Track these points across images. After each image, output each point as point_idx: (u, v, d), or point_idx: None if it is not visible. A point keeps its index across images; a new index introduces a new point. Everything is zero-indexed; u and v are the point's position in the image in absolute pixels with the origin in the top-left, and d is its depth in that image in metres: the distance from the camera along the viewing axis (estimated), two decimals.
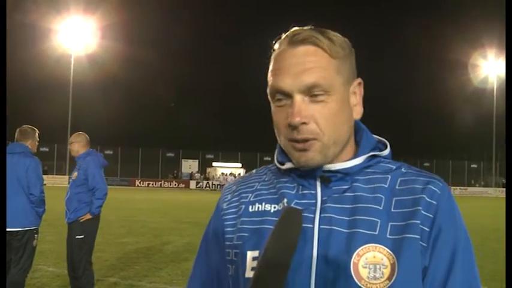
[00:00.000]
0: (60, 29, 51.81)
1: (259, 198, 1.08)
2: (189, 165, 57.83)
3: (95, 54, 55.22)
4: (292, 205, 1.00)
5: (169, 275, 7.31)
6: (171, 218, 16.19)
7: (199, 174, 56.02)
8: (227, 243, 1.08)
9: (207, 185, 53.41)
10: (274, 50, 1.05)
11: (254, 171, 1.19)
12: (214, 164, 59.04)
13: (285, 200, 1.02)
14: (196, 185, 53.07)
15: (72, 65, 50.99)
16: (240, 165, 57.53)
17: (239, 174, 49.27)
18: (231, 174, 52.96)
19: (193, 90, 79.14)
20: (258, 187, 1.11)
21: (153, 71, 74.91)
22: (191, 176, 55.65)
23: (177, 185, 52.98)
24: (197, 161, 58.71)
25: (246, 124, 72.51)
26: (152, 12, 77.53)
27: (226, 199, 1.14)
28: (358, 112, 1.06)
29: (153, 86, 73.04)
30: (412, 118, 77.98)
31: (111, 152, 52.53)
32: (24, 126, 5.41)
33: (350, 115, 1.03)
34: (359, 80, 1.06)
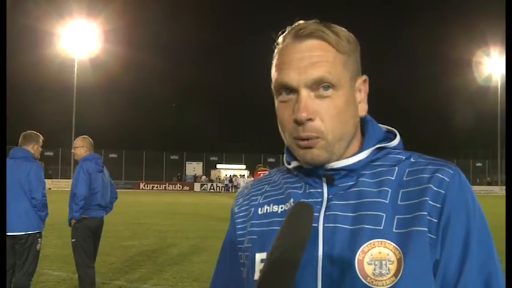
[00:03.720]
0: (64, 33, 51.98)
1: (267, 200, 1.07)
2: (193, 168, 57.87)
3: (98, 58, 55.37)
4: (302, 201, 0.96)
5: (174, 277, 7.30)
6: (175, 221, 16.18)
7: (204, 177, 56.02)
8: (239, 246, 1.08)
9: (212, 187, 53.39)
10: (278, 44, 1.02)
11: (267, 172, 1.18)
12: (218, 166, 59.05)
13: (291, 200, 1.01)
14: (201, 187, 53.08)
15: (75, 69, 51.12)
16: (244, 166, 57.52)
17: (244, 175, 49.26)
18: (234, 175, 52.93)
19: (197, 93, 79.25)
20: (267, 189, 1.10)
21: (156, 74, 75.07)
22: (195, 179, 55.66)
23: (181, 187, 53.00)
24: (201, 163, 58.75)
25: (250, 125, 72.51)
26: (154, 16, 77.71)
27: (238, 203, 1.13)
28: (363, 109, 1.02)
29: (157, 89, 73.20)
30: (416, 116, 77.81)
31: (115, 156, 52.72)
32: (28, 131, 5.43)
33: (356, 112, 1.00)
34: (364, 77, 1.03)
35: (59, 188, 41.22)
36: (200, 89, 79.49)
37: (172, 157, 60.43)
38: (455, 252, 0.90)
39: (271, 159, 55.08)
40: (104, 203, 5.79)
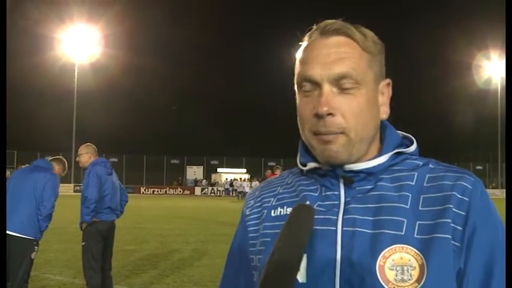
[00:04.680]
0: (64, 38, 52.10)
1: (281, 202, 1.05)
2: (194, 172, 57.84)
3: (98, 63, 55.46)
4: (303, 203, 0.96)
5: (175, 281, 7.29)
6: (176, 225, 16.16)
7: (205, 181, 55.98)
8: (251, 249, 1.05)
9: (212, 191, 53.36)
10: (303, 42, 1.01)
11: (278, 175, 1.16)
12: (219, 169, 59.02)
13: (307, 203, 0.98)
14: (201, 192, 53.04)
15: (76, 74, 51.20)
16: (244, 170, 57.47)
17: (245, 179, 49.23)
18: (235, 179, 52.89)
19: (197, 97, 79.31)
20: (280, 191, 1.07)
21: (156, 78, 75.16)
22: (196, 183, 55.64)
23: (182, 191, 52.94)
24: (202, 167, 58.72)
25: (251, 129, 72.56)
26: (155, 19, 77.89)
27: (249, 205, 1.11)
28: (384, 112, 1.02)
29: (157, 93, 73.28)
30: (416, 120, 77.84)
31: (115, 160, 52.65)
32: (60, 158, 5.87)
33: (377, 113, 0.99)
34: (388, 80, 1.03)
35: (59, 192, 41.16)
36: (200, 93, 79.61)
37: (172, 161, 60.39)
38: (481, 263, 0.89)
39: (271, 163, 55.08)
40: (113, 205, 5.85)
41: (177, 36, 76.37)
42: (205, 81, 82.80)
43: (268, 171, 14.50)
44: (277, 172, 14.58)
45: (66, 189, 44.41)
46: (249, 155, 59.99)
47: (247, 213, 1.10)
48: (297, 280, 0.92)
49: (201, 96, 79.37)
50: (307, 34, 1.01)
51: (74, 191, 45.71)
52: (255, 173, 52.85)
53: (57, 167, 5.60)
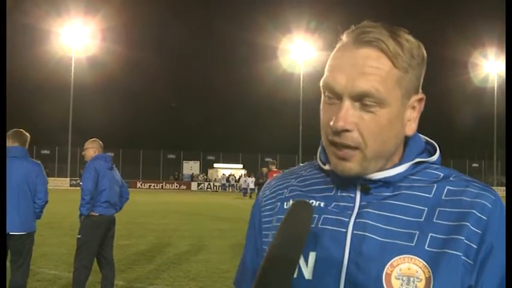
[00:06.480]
0: (61, 31, 51.90)
1: (292, 194, 1.04)
2: (190, 167, 57.82)
3: (95, 57, 55.27)
4: (302, 199, 0.96)
5: (171, 276, 7.29)
6: (172, 220, 16.16)
7: (201, 176, 55.96)
8: (264, 239, 1.06)
9: (209, 186, 53.37)
10: (341, 40, 0.97)
11: (297, 166, 1.15)
12: (215, 165, 59.02)
13: (317, 203, 0.98)
14: (198, 187, 53.06)
15: (73, 67, 51.05)
16: (241, 166, 57.50)
17: (241, 175, 49.18)
18: (230, 175, 52.85)
19: (194, 92, 79.16)
20: (294, 183, 1.06)
21: (153, 72, 74.97)
22: (192, 178, 55.64)
23: (178, 186, 52.93)
24: (198, 162, 58.72)
25: (247, 125, 72.49)
26: (152, 14, 77.61)
27: (265, 194, 1.10)
28: (411, 129, 0.98)
29: (154, 87, 73.09)
30: None
31: (112, 154, 52.40)
32: (19, 130, 5.26)
33: (400, 131, 0.95)
34: (421, 95, 0.98)
35: (55, 186, 41.11)
36: (198, 88, 79.44)
37: (169, 156, 60.37)
38: (495, 283, 0.90)
39: (268, 159, 55.03)
40: (112, 200, 5.85)
41: (175, 30, 76.17)
42: (202, 76, 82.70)
43: (265, 169, 14.45)
44: (273, 167, 14.51)
45: (62, 183, 44.33)
46: (245, 151, 60.02)
47: (263, 203, 1.10)
48: (303, 276, 0.93)
49: (198, 92, 79.27)
50: (345, 33, 0.96)
51: (70, 185, 45.66)
52: (251, 169, 52.89)
53: (19, 143, 5.10)
